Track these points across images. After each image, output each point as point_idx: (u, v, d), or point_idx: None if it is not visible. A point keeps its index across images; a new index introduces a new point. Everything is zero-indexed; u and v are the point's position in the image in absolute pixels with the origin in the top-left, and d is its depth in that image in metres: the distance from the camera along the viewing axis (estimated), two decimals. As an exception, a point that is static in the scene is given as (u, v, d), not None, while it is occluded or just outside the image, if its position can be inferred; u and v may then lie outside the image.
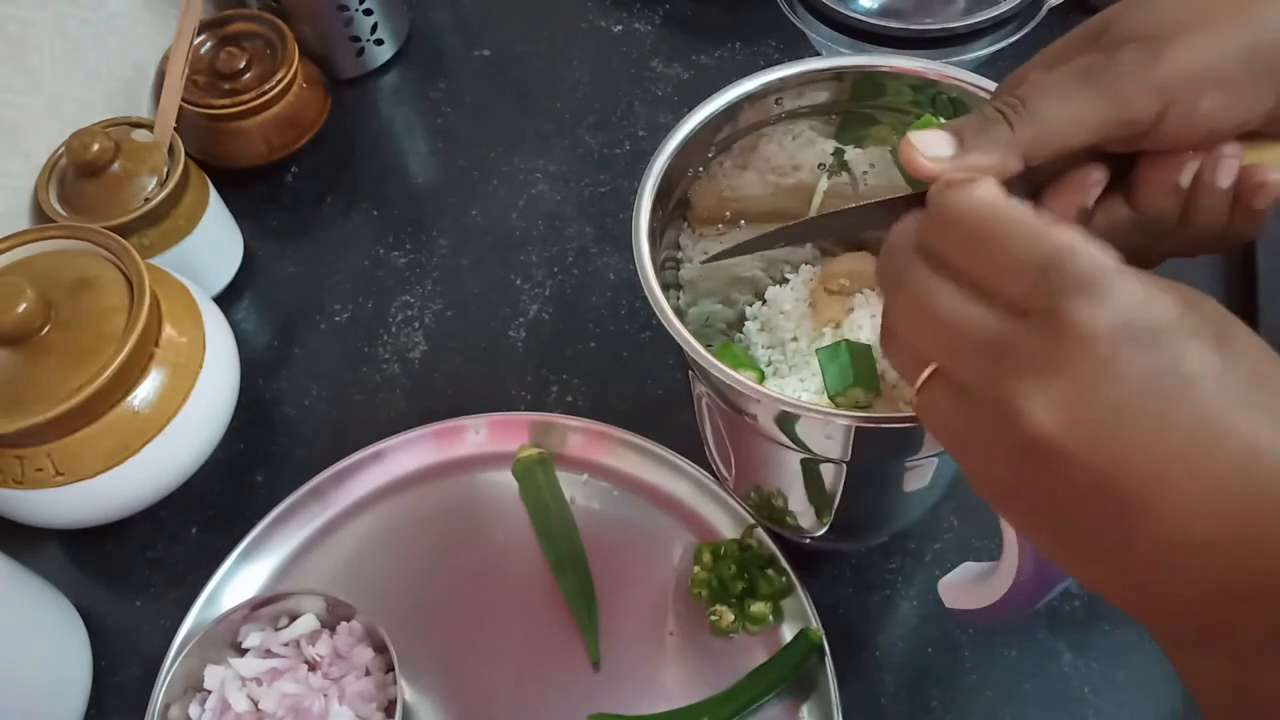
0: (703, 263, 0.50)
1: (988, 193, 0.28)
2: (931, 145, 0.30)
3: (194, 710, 0.50)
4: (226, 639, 0.52)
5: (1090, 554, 0.27)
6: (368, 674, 0.51)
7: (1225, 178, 0.32)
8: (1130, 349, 0.24)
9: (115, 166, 0.60)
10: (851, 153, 0.49)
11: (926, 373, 0.29)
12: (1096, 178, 0.33)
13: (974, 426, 0.27)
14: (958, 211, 0.28)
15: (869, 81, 0.45)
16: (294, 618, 0.53)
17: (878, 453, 0.42)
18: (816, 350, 0.48)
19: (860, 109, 0.47)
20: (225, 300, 0.67)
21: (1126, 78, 0.30)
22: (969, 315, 0.27)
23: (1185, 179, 0.32)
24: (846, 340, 0.48)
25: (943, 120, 0.35)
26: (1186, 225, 0.33)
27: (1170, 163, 0.32)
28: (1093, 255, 0.25)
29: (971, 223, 0.27)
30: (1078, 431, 0.25)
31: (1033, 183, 0.33)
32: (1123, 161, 0.33)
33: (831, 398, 0.45)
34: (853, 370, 0.46)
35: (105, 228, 0.56)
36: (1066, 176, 0.33)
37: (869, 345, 0.48)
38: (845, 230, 0.48)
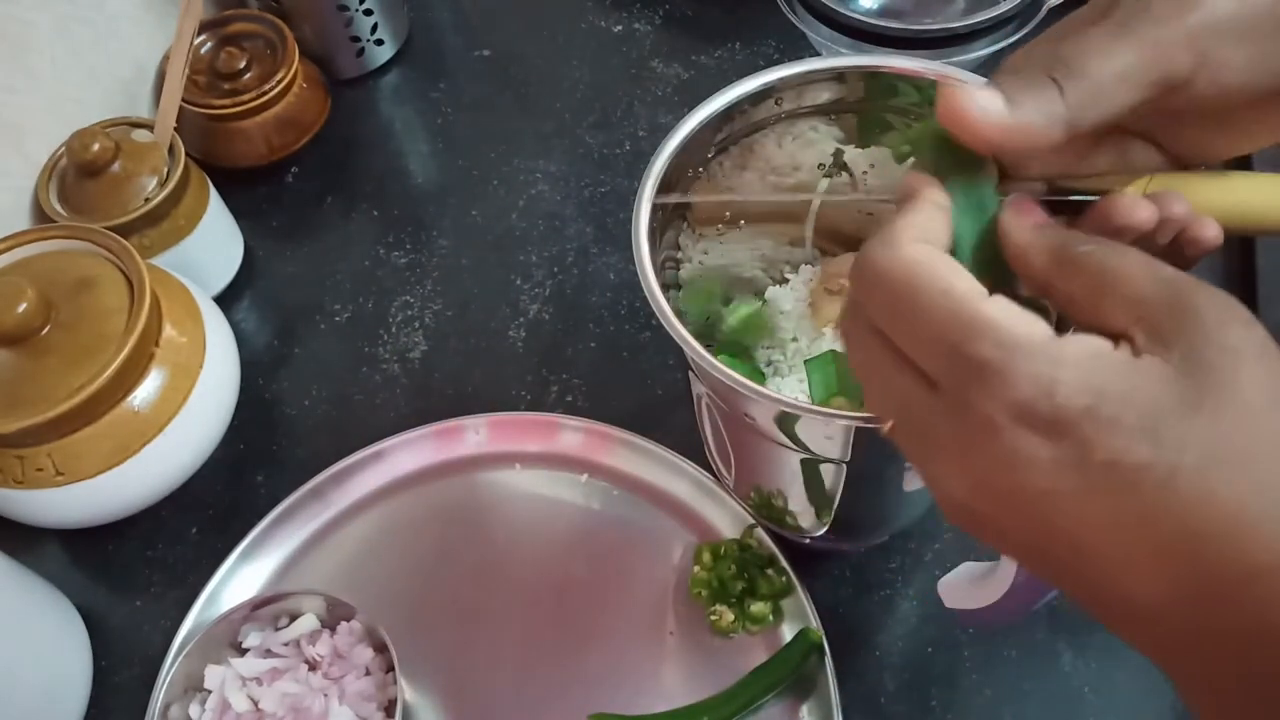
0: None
1: (915, 253, 0.27)
2: (984, 99, 0.28)
3: (194, 710, 0.50)
4: (226, 639, 0.52)
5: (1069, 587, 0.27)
6: (368, 674, 0.51)
7: (1165, 236, 0.31)
8: (1033, 438, 0.24)
9: (115, 166, 0.60)
10: (851, 153, 0.49)
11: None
12: None
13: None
14: (882, 273, 0.27)
15: (877, 82, 0.45)
16: (294, 618, 0.53)
17: (878, 453, 0.42)
18: (805, 361, 0.48)
19: (866, 110, 0.47)
20: (225, 300, 0.67)
21: (1162, 27, 0.29)
22: (895, 385, 0.27)
23: (1125, 240, 0.31)
24: (833, 350, 0.48)
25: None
26: None
27: (1117, 225, 0.31)
28: (1001, 337, 0.25)
29: (893, 288, 0.27)
30: (992, 506, 0.26)
31: None
32: (1061, 206, 0.32)
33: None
34: (836, 380, 0.47)
35: (105, 228, 0.56)
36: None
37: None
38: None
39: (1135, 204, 0.31)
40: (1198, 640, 0.24)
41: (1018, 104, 0.28)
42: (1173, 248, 0.31)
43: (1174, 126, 0.32)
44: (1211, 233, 0.31)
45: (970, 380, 0.25)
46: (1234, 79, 0.29)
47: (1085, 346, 0.25)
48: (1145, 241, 0.31)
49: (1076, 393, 0.24)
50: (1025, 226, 0.29)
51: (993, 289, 0.27)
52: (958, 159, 0.30)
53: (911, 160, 0.48)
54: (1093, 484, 0.24)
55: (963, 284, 0.26)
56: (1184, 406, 0.23)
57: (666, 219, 0.45)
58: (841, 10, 0.65)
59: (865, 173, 0.49)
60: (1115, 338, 0.25)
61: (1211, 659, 0.24)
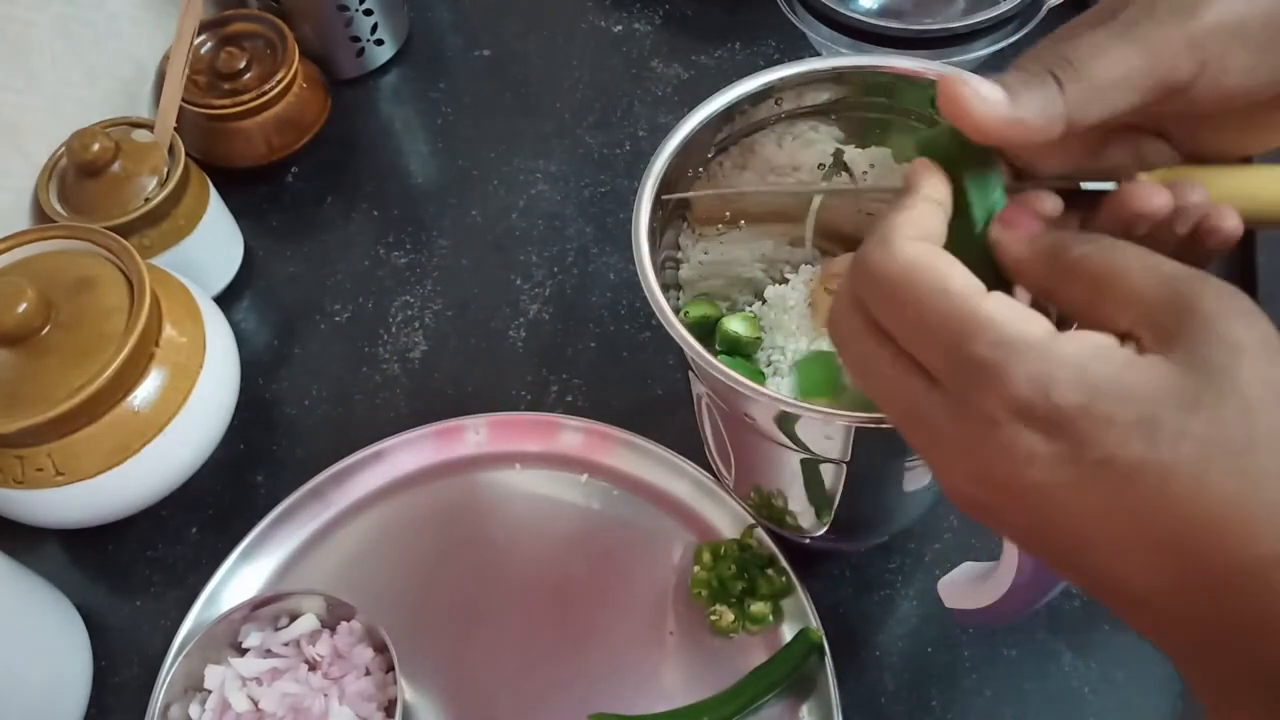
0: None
1: (914, 251, 0.27)
2: (986, 89, 0.28)
3: (194, 710, 0.50)
4: (226, 639, 0.52)
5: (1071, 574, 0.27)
6: (368, 674, 0.51)
7: (1183, 225, 0.31)
8: (1031, 434, 0.24)
9: (115, 166, 0.60)
10: (851, 152, 0.49)
11: None
12: (1050, 206, 0.32)
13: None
14: (881, 271, 0.27)
15: (876, 83, 0.45)
16: (294, 617, 0.53)
17: (878, 453, 0.42)
18: (796, 361, 0.49)
19: (866, 110, 0.47)
20: (225, 300, 0.67)
21: (1165, 29, 0.29)
22: (897, 381, 0.27)
23: (1142, 229, 0.31)
24: (818, 351, 0.49)
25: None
26: None
27: (1133, 212, 0.31)
28: (998, 336, 0.25)
29: (892, 287, 0.27)
30: (994, 497, 0.26)
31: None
32: (1079, 197, 0.32)
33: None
34: (822, 380, 0.47)
35: (105, 228, 0.56)
36: (1021, 198, 0.32)
37: (830, 353, 0.49)
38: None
39: (1151, 190, 0.31)
40: (1200, 629, 0.24)
41: (1017, 98, 0.28)
42: (1192, 240, 0.32)
43: (1185, 124, 0.32)
44: (1231, 222, 0.31)
45: (969, 379, 0.25)
46: (1234, 83, 0.30)
47: (1085, 343, 0.25)
48: (1164, 231, 0.31)
49: (1072, 390, 0.24)
50: (1017, 239, 0.29)
51: (1000, 285, 0.27)
52: (966, 161, 0.30)
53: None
54: (1088, 479, 0.24)
55: (959, 282, 0.26)
56: (1182, 403, 0.24)
57: (666, 219, 0.45)
58: (841, 10, 0.65)
59: (865, 173, 0.49)
60: (1122, 336, 0.26)
61: (1214, 648, 0.24)
